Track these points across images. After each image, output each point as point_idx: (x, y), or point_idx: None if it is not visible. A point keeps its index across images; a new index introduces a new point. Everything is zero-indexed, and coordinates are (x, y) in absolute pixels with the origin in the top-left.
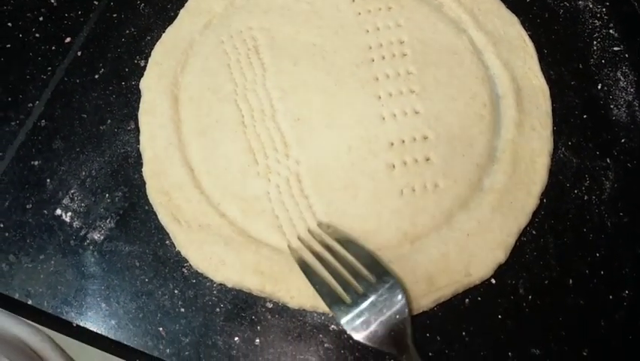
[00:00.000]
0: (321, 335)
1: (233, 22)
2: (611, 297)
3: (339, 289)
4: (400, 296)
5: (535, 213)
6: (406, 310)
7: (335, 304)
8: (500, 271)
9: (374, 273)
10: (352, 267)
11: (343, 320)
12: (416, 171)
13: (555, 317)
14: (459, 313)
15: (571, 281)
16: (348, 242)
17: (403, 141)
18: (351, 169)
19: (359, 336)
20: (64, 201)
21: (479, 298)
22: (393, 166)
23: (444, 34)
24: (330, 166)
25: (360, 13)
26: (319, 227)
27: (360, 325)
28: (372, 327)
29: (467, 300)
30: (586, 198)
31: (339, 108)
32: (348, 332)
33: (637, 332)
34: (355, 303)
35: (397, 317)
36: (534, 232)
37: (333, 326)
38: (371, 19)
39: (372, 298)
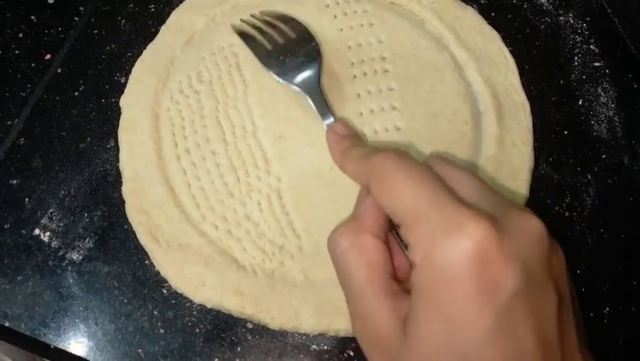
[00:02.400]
0: (302, 356)
1: (214, 39)
2: (591, 314)
3: (265, 42)
4: (313, 42)
5: None
6: (318, 55)
7: (262, 56)
8: None
9: (295, 31)
10: (277, 27)
11: (267, 68)
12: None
13: None
14: None
15: None
16: (280, 15)
17: None
18: (334, 186)
19: (274, 72)
20: (42, 221)
21: None
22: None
23: (425, 50)
24: (311, 184)
25: (342, 30)
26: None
27: (275, 64)
28: (287, 67)
29: None
30: (567, 214)
31: (321, 125)
32: (268, 70)
33: (618, 348)
34: (276, 50)
35: (309, 58)
36: None
37: (314, 346)
38: (353, 36)
39: (288, 46)
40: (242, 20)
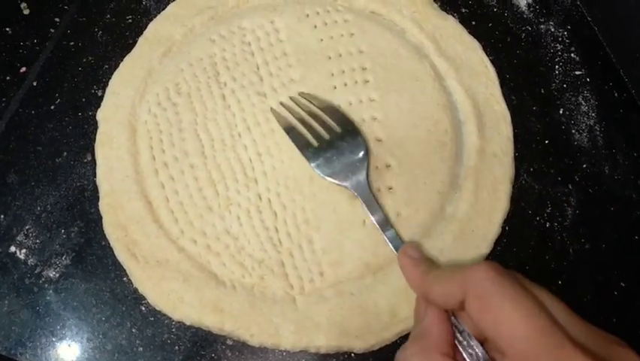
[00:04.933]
0: None
1: (193, 50)
2: None
3: (309, 135)
4: (359, 139)
5: (497, 241)
6: (364, 150)
7: (305, 149)
8: None
9: (338, 123)
10: (320, 119)
11: (312, 163)
12: (380, 202)
13: None
14: None
15: None
16: (319, 101)
17: None
18: (314, 200)
19: (322, 172)
20: (18, 238)
21: None
22: (356, 196)
23: (406, 60)
24: (292, 197)
25: (322, 40)
26: (300, 95)
27: (323, 163)
28: (335, 166)
29: None
30: (548, 225)
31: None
32: (316, 171)
33: None
34: (321, 147)
35: (357, 158)
36: (496, 260)
37: None
38: (333, 46)
39: (335, 142)
40: (281, 104)
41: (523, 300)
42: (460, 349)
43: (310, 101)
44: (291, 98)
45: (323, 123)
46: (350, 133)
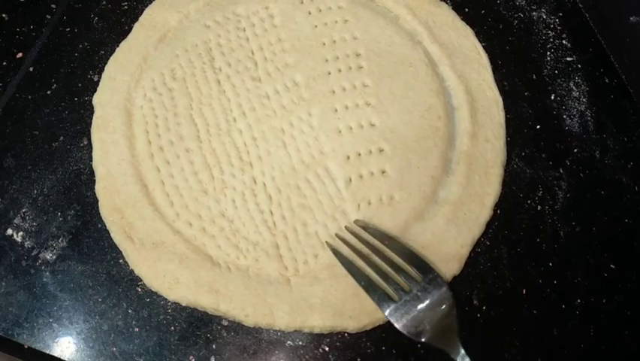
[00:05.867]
0: (277, 351)
1: (188, 36)
2: (563, 306)
3: (385, 286)
4: (445, 289)
5: (489, 224)
6: (454, 306)
7: (383, 302)
8: (455, 282)
9: (416, 269)
10: (394, 263)
11: (394, 319)
12: (372, 184)
13: (509, 327)
14: None
15: (524, 291)
16: (387, 238)
17: (359, 154)
18: (308, 185)
19: (412, 334)
20: (15, 221)
21: None
22: (350, 180)
23: (399, 46)
24: (286, 182)
25: (316, 26)
26: (356, 223)
27: (410, 323)
28: (423, 324)
29: None
30: (539, 208)
31: (296, 125)
32: (401, 331)
33: (589, 339)
34: (402, 300)
35: (445, 312)
36: (488, 243)
37: (289, 342)
38: (327, 32)
39: (419, 294)
40: (337, 236)
41: None
42: None
43: (372, 235)
44: (346, 228)
45: (394, 266)
46: (431, 281)
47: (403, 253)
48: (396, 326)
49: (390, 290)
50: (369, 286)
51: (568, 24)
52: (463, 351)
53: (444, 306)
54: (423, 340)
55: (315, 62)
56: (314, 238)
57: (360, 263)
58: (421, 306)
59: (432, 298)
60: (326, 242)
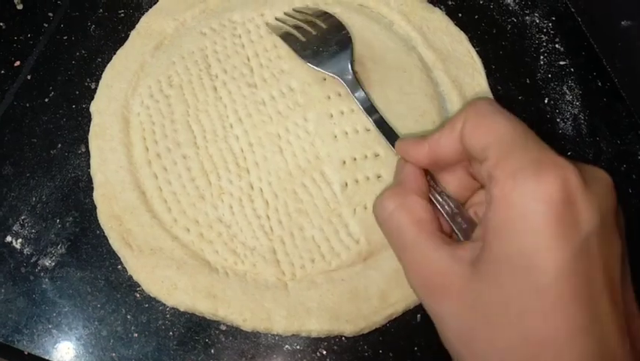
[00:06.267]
0: (275, 356)
1: (184, 43)
2: None
3: (297, 34)
4: (344, 31)
5: None
6: (349, 42)
7: (298, 49)
8: None
9: (326, 23)
10: (310, 21)
11: (301, 55)
12: (368, 189)
13: None
14: (411, 328)
15: None
16: (313, 10)
17: (355, 159)
18: (304, 190)
19: (311, 62)
20: (14, 228)
21: None
22: (346, 185)
23: (394, 52)
24: (283, 187)
25: None
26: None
27: (311, 54)
28: (322, 55)
29: (419, 315)
30: None
31: (292, 131)
32: (305, 63)
33: None
34: (308, 40)
35: (341, 46)
36: None
37: (287, 347)
38: None
39: (320, 37)
40: (276, 19)
41: (514, 117)
42: (436, 204)
43: (301, 11)
44: (285, 13)
45: (311, 23)
46: (335, 28)
47: (319, 14)
48: (302, 59)
49: (299, 35)
50: (288, 39)
51: (561, 28)
52: (352, 76)
53: (341, 44)
54: (322, 70)
55: (310, 68)
56: (310, 243)
57: (288, 28)
58: (322, 43)
59: (330, 35)
60: (266, 22)
